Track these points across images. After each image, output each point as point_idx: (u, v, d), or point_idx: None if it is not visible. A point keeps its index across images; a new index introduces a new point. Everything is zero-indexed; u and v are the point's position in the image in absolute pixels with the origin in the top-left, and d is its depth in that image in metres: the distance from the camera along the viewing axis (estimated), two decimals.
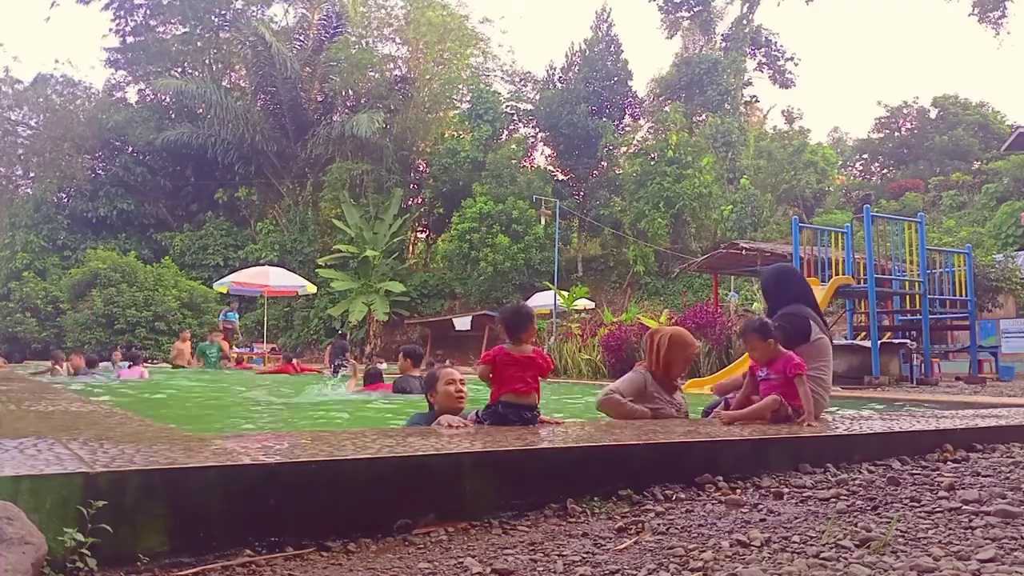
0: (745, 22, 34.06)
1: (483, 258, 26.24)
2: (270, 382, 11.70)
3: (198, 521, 1.88)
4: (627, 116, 33.14)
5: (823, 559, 1.80)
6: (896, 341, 11.28)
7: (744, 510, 2.38)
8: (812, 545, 1.93)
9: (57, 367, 12.61)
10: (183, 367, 15.84)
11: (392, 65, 33.33)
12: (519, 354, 3.58)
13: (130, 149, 31.77)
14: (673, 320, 12.42)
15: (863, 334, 11.84)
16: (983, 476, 2.82)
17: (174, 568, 1.79)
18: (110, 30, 34.32)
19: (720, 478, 2.72)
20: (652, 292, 27.16)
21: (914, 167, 34.89)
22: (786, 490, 2.63)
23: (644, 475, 2.62)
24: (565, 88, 31.11)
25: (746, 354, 4.94)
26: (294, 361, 15.18)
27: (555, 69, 32.70)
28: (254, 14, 33.68)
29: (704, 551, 1.90)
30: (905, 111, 37.97)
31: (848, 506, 2.39)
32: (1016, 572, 1.64)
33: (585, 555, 1.93)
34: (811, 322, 4.16)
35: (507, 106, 32.46)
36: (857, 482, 2.75)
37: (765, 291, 4.74)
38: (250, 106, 30.84)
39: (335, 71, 30.75)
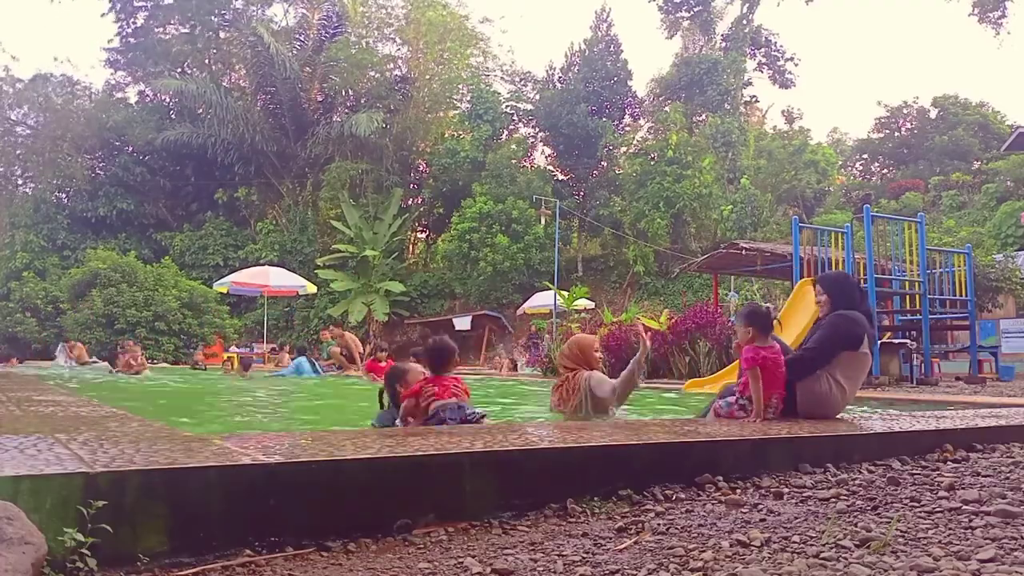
0: (745, 22, 34.06)
1: (483, 258, 26.24)
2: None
3: (198, 521, 1.88)
4: (627, 116, 33.16)
5: (823, 559, 1.80)
6: (896, 341, 11.28)
7: (744, 510, 2.38)
8: (812, 545, 1.93)
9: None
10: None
11: (392, 65, 33.32)
12: (437, 378, 4.09)
13: (130, 149, 31.75)
14: (673, 320, 12.41)
15: None
16: (983, 476, 2.82)
17: (174, 568, 1.79)
18: (114, 34, 34.38)
19: (720, 478, 2.73)
20: (652, 292, 27.16)
21: (914, 167, 34.90)
22: (786, 490, 2.63)
23: (644, 475, 2.62)
24: (565, 88, 31.10)
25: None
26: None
27: (555, 69, 32.71)
28: (254, 14, 33.68)
29: (704, 551, 1.90)
30: (905, 111, 37.97)
31: (848, 506, 2.39)
32: (1016, 572, 1.64)
33: (585, 555, 1.93)
34: (865, 335, 4.17)
35: (507, 106, 32.46)
36: (857, 482, 2.75)
37: (829, 294, 4.57)
38: (250, 106, 30.84)
39: (335, 71, 30.74)
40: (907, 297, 12.12)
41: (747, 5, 33.98)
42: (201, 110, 31.48)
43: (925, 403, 6.48)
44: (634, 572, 1.77)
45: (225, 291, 22.05)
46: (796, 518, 2.25)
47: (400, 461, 2.22)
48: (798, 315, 10.09)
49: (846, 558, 1.79)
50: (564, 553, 1.94)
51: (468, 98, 32.22)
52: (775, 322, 4.15)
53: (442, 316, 27.86)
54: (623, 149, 31.14)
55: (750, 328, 3.97)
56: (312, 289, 22.67)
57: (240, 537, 1.91)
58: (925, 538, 1.96)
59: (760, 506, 2.42)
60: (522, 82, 34.33)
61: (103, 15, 33.62)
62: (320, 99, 32.06)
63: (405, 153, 31.55)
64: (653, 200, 26.11)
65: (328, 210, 30.33)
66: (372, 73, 31.69)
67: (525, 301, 24.29)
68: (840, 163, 36.84)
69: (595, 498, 2.47)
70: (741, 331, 4.06)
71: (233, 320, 25.61)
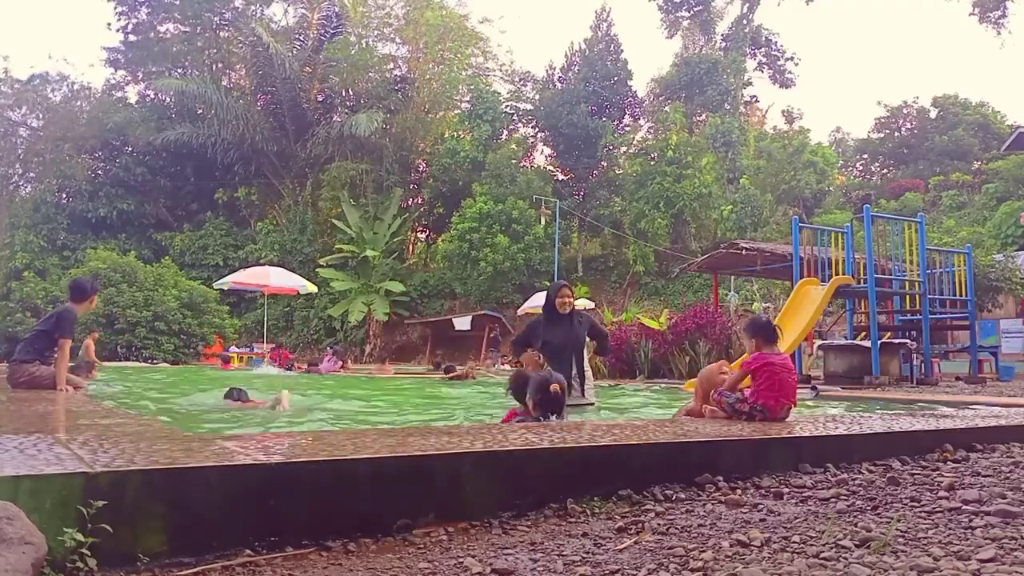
0: (745, 22, 34.07)
1: (483, 258, 26.22)
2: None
3: (198, 521, 1.87)
4: (627, 116, 33.13)
5: (823, 559, 1.80)
6: (896, 341, 11.27)
7: (744, 510, 2.37)
8: (812, 545, 1.93)
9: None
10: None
11: (392, 65, 33.32)
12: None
13: (130, 149, 31.73)
14: (673, 320, 12.42)
15: (863, 334, 11.83)
16: (983, 476, 2.82)
17: (174, 568, 1.79)
18: (109, 25, 34.37)
19: (720, 478, 2.72)
20: (652, 292, 27.16)
21: (914, 167, 34.90)
22: (786, 490, 2.63)
23: (644, 475, 2.62)
24: (565, 88, 31.10)
25: (745, 354, 5.11)
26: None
27: (555, 69, 32.70)
28: (254, 14, 33.67)
29: (704, 551, 1.90)
30: (905, 111, 37.97)
31: (848, 506, 2.39)
32: (1016, 572, 1.64)
33: (585, 555, 1.92)
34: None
35: (507, 106, 32.44)
36: (857, 482, 2.75)
37: None
38: (250, 106, 30.84)
39: (335, 71, 30.73)
40: (907, 297, 12.11)
41: (747, 5, 33.99)
42: (201, 110, 31.46)
43: (925, 403, 6.48)
44: (634, 572, 1.77)
45: (226, 288, 22.01)
46: (796, 518, 2.25)
47: (400, 461, 2.22)
48: (798, 315, 10.10)
49: (846, 558, 1.79)
50: (564, 553, 1.94)
51: (468, 98, 32.21)
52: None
53: (442, 316, 27.85)
54: (623, 149, 31.13)
55: (754, 340, 4.08)
56: (312, 289, 22.65)
57: (240, 537, 1.91)
58: (925, 538, 1.96)
59: (760, 506, 2.42)
60: (522, 82, 34.33)
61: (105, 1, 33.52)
62: (320, 99, 32.04)
63: (405, 153, 31.53)
64: (653, 200, 26.11)
65: (328, 210, 30.32)
66: (372, 73, 31.68)
67: (525, 301, 24.29)
68: (840, 163, 36.85)
69: (595, 498, 2.47)
70: (748, 344, 4.16)
71: (233, 320, 25.58)
